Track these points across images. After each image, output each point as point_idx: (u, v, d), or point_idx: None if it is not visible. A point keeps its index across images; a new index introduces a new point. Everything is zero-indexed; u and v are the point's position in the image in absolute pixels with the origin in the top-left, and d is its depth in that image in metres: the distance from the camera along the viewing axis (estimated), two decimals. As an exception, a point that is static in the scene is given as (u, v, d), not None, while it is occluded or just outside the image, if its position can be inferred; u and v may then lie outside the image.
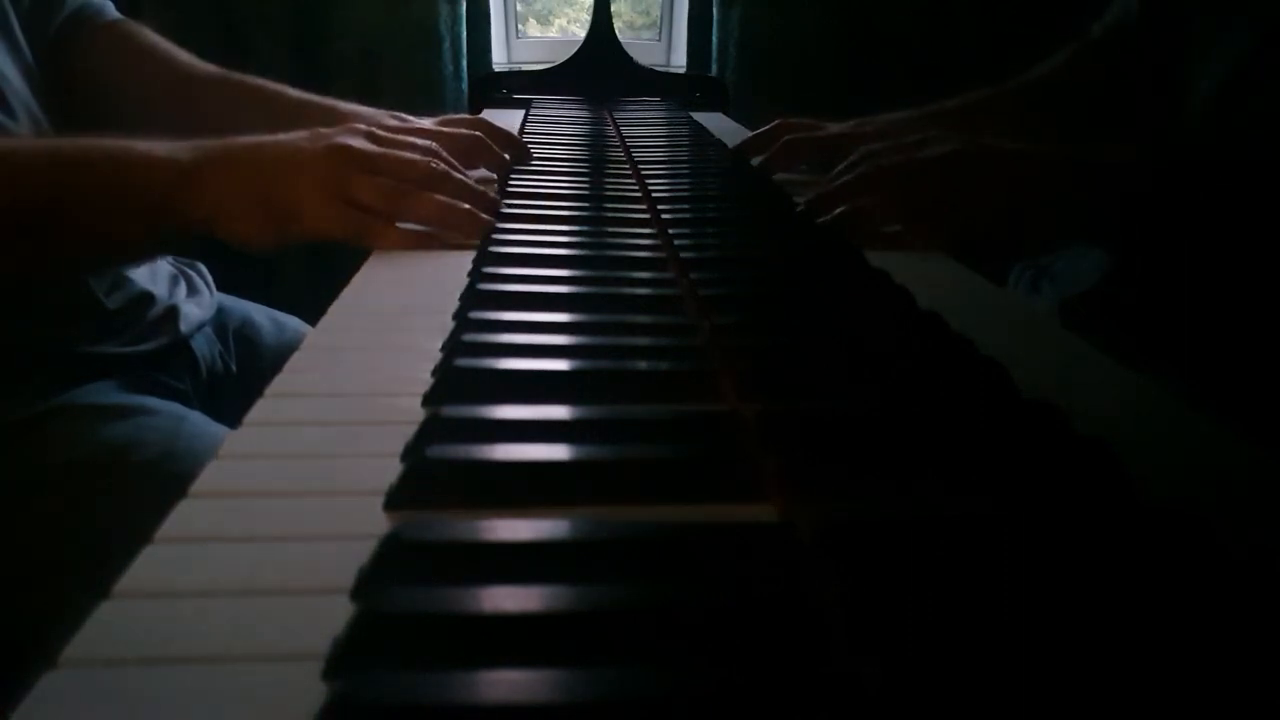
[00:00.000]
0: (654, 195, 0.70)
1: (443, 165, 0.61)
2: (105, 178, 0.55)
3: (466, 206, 0.59)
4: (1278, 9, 0.70)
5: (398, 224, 0.58)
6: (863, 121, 0.83)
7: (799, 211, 0.63)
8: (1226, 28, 0.74)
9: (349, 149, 0.57)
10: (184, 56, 0.81)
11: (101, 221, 0.56)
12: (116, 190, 0.55)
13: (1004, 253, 0.81)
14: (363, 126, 0.62)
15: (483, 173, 0.74)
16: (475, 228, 0.59)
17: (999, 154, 0.61)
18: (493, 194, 0.63)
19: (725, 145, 0.93)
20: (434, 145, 0.63)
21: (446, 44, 1.52)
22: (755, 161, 0.83)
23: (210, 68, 0.82)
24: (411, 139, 0.63)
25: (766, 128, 0.85)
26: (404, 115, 0.80)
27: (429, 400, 0.36)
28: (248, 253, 0.57)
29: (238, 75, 0.82)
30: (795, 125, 0.83)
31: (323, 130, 0.59)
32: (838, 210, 0.61)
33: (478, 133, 0.74)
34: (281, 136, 0.58)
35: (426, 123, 0.76)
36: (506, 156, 0.76)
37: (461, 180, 0.62)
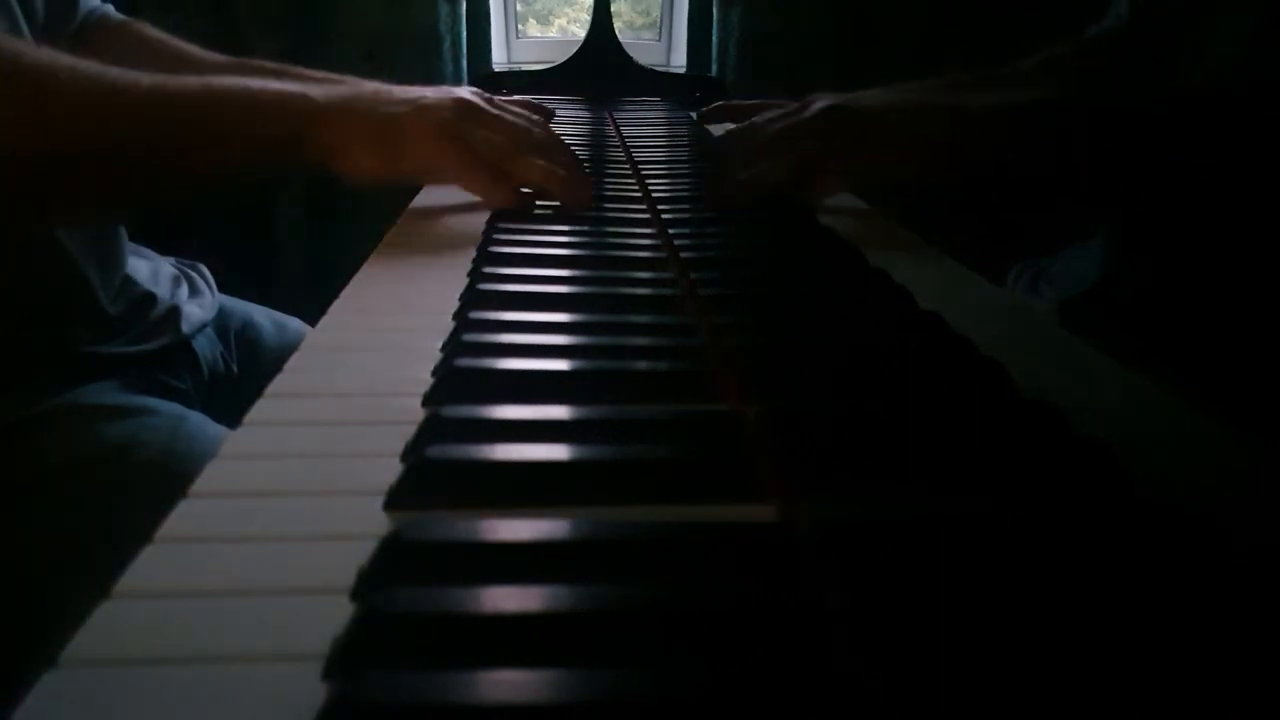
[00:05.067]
0: (654, 195, 0.70)
1: (543, 133, 0.66)
2: (246, 111, 0.59)
3: (564, 174, 0.64)
4: (1265, 21, 0.71)
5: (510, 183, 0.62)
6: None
7: (715, 199, 0.68)
8: (1216, 36, 0.75)
9: (473, 103, 0.62)
10: (196, 50, 0.82)
11: (240, 150, 0.59)
12: (256, 123, 0.59)
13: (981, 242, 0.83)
14: (479, 91, 0.66)
15: None
16: (577, 194, 0.64)
17: (866, 108, 0.66)
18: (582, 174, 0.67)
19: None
20: (538, 118, 0.68)
21: (446, 44, 1.52)
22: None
23: (224, 58, 0.82)
24: (521, 109, 0.67)
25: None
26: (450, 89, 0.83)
27: (429, 400, 0.36)
28: (361, 187, 0.61)
29: (255, 62, 0.82)
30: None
31: (445, 87, 0.64)
32: (746, 184, 0.66)
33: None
34: (404, 87, 0.63)
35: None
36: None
37: (568, 148, 0.66)
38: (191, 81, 0.58)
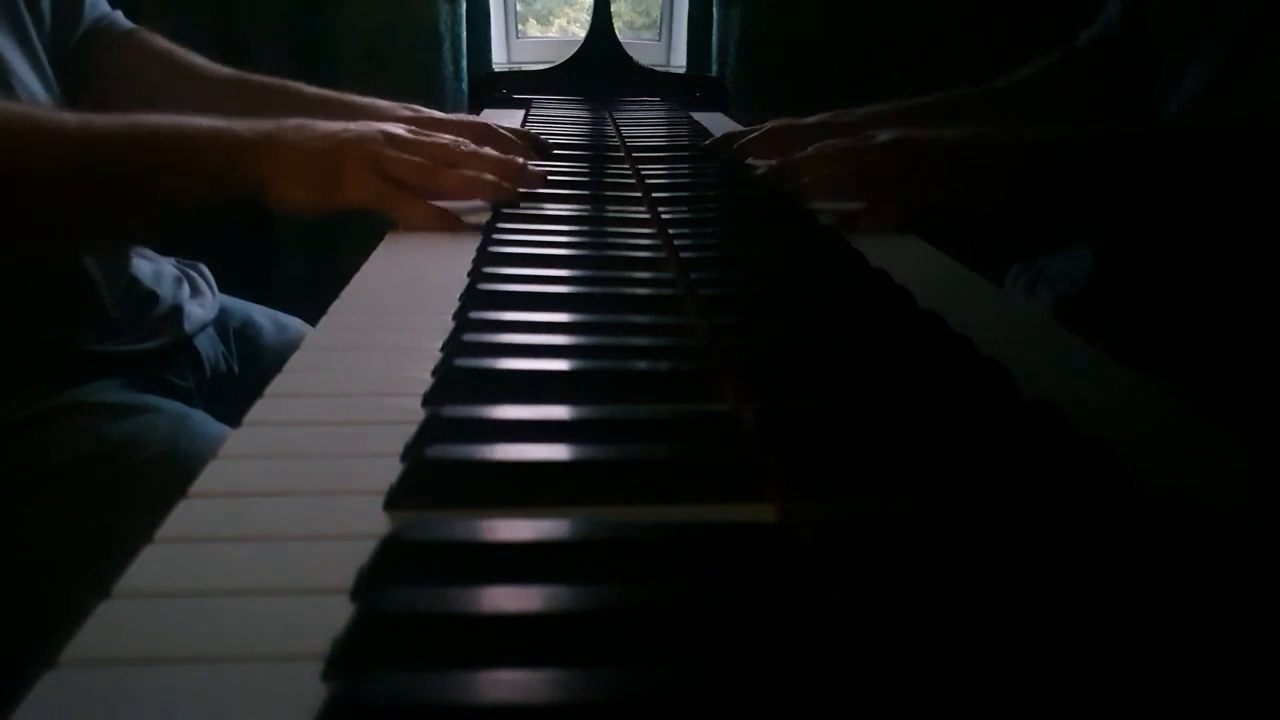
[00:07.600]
0: (654, 195, 0.70)
1: (470, 145, 0.69)
2: (175, 147, 0.60)
3: (491, 178, 0.66)
4: (1245, 30, 0.71)
5: (428, 203, 0.65)
6: (840, 112, 0.87)
7: (759, 177, 0.72)
8: (1198, 46, 0.76)
9: (389, 132, 0.65)
10: (199, 61, 0.83)
11: (172, 186, 0.61)
12: (185, 159, 0.60)
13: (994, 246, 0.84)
14: (399, 123, 0.69)
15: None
16: (503, 194, 0.67)
17: (935, 139, 0.68)
18: (521, 161, 0.71)
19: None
20: (458, 139, 0.70)
21: (446, 44, 1.52)
22: (735, 146, 0.86)
23: (226, 70, 0.83)
24: (439, 133, 0.70)
25: (755, 128, 0.88)
26: (417, 107, 0.84)
27: (429, 400, 0.36)
28: (293, 215, 0.63)
29: (254, 76, 0.83)
30: (782, 121, 0.88)
31: (366, 121, 0.67)
32: (802, 181, 0.69)
33: (484, 122, 0.81)
34: (327, 122, 0.65)
35: (436, 114, 0.83)
36: (519, 143, 0.81)
37: (487, 154, 0.69)
38: (119, 118, 0.59)
